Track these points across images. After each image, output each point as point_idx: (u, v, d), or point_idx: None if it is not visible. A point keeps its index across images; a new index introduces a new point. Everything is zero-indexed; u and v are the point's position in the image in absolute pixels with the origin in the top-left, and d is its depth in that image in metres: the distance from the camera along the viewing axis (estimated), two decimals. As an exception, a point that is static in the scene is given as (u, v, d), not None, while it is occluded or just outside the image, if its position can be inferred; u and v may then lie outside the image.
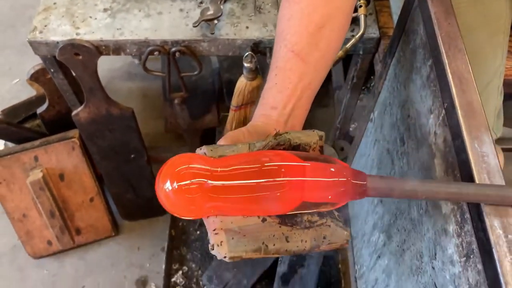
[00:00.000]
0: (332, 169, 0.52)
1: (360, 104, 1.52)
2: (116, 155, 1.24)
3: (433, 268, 0.69)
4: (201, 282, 1.38)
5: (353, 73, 1.08)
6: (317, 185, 0.52)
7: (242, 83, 1.06)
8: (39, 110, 1.27)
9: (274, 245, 0.53)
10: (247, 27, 1.00)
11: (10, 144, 1.33)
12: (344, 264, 1.37)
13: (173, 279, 1.38)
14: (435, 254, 0.68)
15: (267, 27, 0.99)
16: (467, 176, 0.58)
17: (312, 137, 0.58)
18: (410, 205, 0.80)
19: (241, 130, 0.58)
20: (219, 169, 0.50)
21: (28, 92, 1.46)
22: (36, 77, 1.14)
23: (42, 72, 1.13)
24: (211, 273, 1.37)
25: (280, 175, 0.50)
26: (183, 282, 1.38)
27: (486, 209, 0.54)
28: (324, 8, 0.65)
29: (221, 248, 0.51)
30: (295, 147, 0.57)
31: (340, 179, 0.52)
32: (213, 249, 0.52)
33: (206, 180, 0.48)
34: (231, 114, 1.14)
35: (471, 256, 0.57)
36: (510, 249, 0.51)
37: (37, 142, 1.27)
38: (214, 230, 0.52)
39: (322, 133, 0.59)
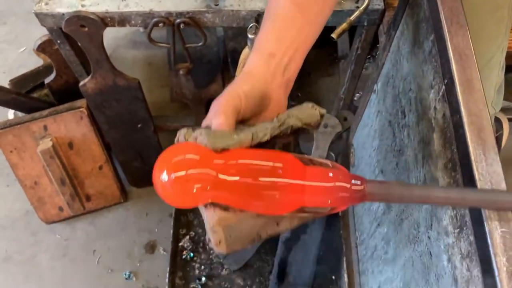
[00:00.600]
0: (331, 174, 0.52)
1: (365, 73, 1.52)
2: (123, 124, 1.27)
3: (428, 237, 0.72)
4: (207, 247, 1.43)
5: (357, 44, 1.08)
6: (317, 190, 0.51)
7: (246, 54, 1.07)
8: (47, 80, 1.29)
9: (266, 232, 0.55)
10: (251, -2, 1.00)
11: (19, 114, 1.36)
12: (346, 230, 1.41)
13: (180, 244, 1.43)
14: (431, 225, 0.71)
15: (272, -2, 0.99)
16: (464, 151, 0.60)
17: (313, 116, 0.59)
18: (409, 176, 0.82)
19: (238, 95, 0.54)
20: (220, 161, 0.49)
21: (35, 60, 1.47)
22: (43, 48, 1.15)
23: (49, 43, 1.14)
24: (217, 238, 1.42)
25: (281, 177, 0.50)
26: (190, 247, 1.43)
27: (481, 185, 0.56)
28: None
29: (220, 246, 0.52)
30: (296, 130, 0.58)
31: (339, 184, 0.51)
32: (210, 243, 0.52)
33: (204, 173, 0.47)
34: (235, 85, 1.16)
35: (464, 228, 0.59)
36: (501, 222, 0.53)
37: (45, 112, 1.29)
38: (213, 227, 0.51)
39: (323, 110, 0.60)
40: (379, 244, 1.03)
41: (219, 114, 0.52)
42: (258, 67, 0.58)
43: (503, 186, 0.56)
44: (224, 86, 1.50)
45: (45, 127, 1.29)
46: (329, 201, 0.51)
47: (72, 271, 1.42)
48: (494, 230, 0.53)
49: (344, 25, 0.90)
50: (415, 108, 0.80)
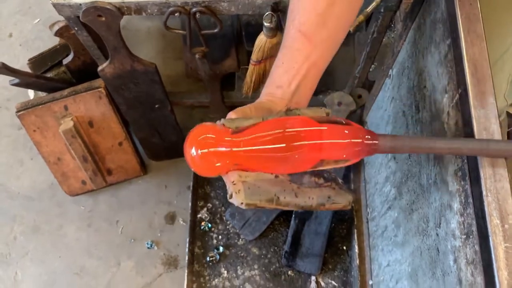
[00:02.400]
0: (347, 131, 0.58)
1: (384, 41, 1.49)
2: (141, 105, 1.30)
3: (437, 234, 0.76)
4: (224, 218, 1.50)
5: (373, 29, 1.07)
6: (334, 146, 0.57)
7: (262, 40, 1.07)
8: (65, 61, 1.31)
9: (284, 198, 0.61)
10: (267, -14, 0.99)
11: (39, 93, 1.39)
12: (358, 203, 1.46)
13: (199, 215, 1.50)
14: (440, 224, 0.75)
15: (288, -14, 0.98)
16: (473, 165, 0.62)
17: (319, 113, 0.63)
18: (421, 172, 0.85)
19: (248, 106, 0.63)
20: (240, 139, 0.56)
21: (50, 33, 1.48)
22: (60, 33, 1.17)
23: (66, 28, 1.15)
24: (233, 210, 1.48)
25: (301, 139, 0.56)
26: (208, 218, 1.50)
27: (488, 200, 0.59)
28: None
29: (238, 196, 0.58)
30: None
31: (354, 140, 0.57)
32: (231, 198, 0.59)
33: (227, 147, 0.56)
34: (251, 67, 1.17)
35: (471, 237, 0.63)
36: (505, 237, 0.57)
37: (65, 92, 1.32)
38: (233, 181, 0.59)
39: (328, 110, 0.64)
40: (390, 226, 1.07)
41: (229, 114, 0.61)
42: (266, 98, 0.65)
43: (509, 202, 0.59)
44: (238, 60, 1.50)
45: (66, 107, 1.33)
46: (344, 156, 0.58)
47: (96, 240, 1.51)
48: (498, 245, 0.57)
49: (360, 17, 0.90)
50: (429, 107, 0.82)
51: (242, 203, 0.58)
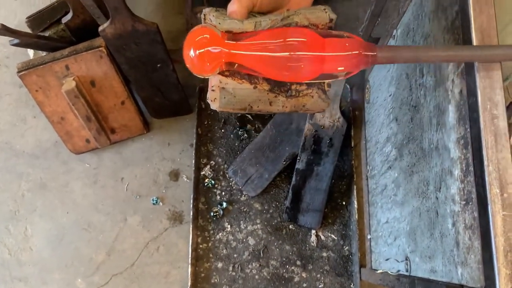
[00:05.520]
0: (347, 44, 0.60)
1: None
2: (143, 65, 1.29)
3: (437, 198, 0.79)
4: (227, 175, 1.53)
5: (378, -13, 1.05)
6: (334, 59, 0.60)
7: None
8: (64, 19, 1.28)
9: (258, 106, 0.66)
10: None
11: (39, 52, 1.38)
12: (357, 159, 1.49)
13: (202, 172, 1.53)
14: (440, 188, 0.78)
15: None
16: (476, 135, 0.64)
17: (322, 18, 0.64)
18: (423, 136, 0.87)
19: None
20: (238, 42, 0.59)
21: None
22: (59, -8, 1.14)
23: (65, -14, 1.13)
24: (236, 167, 1.51)
25: (302, 50, 0.58)
26: (211, 175, 1.53)
27: (489, 169, 0.61)
28: None
29: (214, 103, 0.64)
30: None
31: (354, 52, 0.60)
32: (208, 99, 0.65)
33: (220, 48, 0.58)
34: None
35: (470, 203, 0.66)
36: (504, 206, 0.60)
37: (66, 52, 1.31)
38: (212, 87, 0.63)
39: (334, 16, 0.65)
40: (389, 185, 1.11)
41: (234, 1, 0.62)
42: None
43: (510, 172, 0.61)
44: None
45: (67, 67, 1.32)
46: (344, 68, 0.61)
47: (103, 197, 1.55)
48: (497, 213, 0.60)
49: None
50: (433, 72, 0.82)
51: (216, 109, 0.65)
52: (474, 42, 0.65)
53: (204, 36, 0.58)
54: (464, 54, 0.62)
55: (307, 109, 0.68)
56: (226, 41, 0.58)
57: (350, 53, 0.59)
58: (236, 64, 0.60)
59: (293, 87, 0.66)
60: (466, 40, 0.68)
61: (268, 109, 0.66)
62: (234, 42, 0.59)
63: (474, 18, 0.66)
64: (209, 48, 0.57)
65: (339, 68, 0.60)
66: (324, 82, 0.67)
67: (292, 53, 0.58)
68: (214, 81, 0.63)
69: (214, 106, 0.65)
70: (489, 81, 0.64)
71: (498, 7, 0.67)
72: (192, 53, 0.58)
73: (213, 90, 0.63)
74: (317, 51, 0.58)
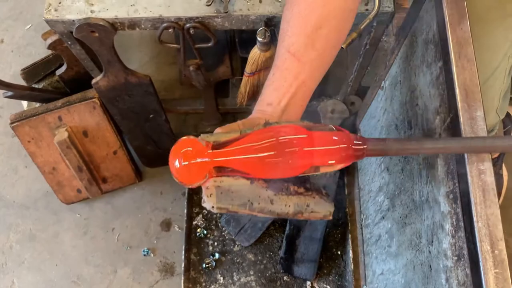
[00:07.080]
0: (336, 137, 0.60)
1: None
2: (136, 115, 1.30)
3: (429, 252, 0.78)
4: (219, 224, 1.51)
5: (366, 41, 1.08)
6: (323, 153, 0.60)
7: (256, 53, 1.08)
8: (59, 72, 1.30)
9: (258, 203, 0.62)
10: (260, 1, 0.99)
11: (33, 103, 1.39)
12: (352, 207, 1.48)
13: (194, 222, 1.51)
14: (432, 242, 0.77)
15: (280, 1, 0.99)
16: (464, 190, 0.64)
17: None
18: (413, 188, 0.87)
19: (236, 123, 0.66)
20: (222, 150, 0.59)
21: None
22: (53, 46, 1.16)
23: (59, 41, 1.15)
24: (228, 216, 1.49)
25: (292, 146, 0.58)
26: (204, 224, 1.51)
27: (478, 225, 0.61)
28: (322, 9, 0.68)
29: (210, 199, 0.61)
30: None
31: (342, 145, 0.60)
32: (204, 202, 0.62)
33: (205, 158, 0.59)
34: (245, 79, 1.18)
35: (462, 259, 0.65)
36: (495, 263, 0.59)
37: (59, 103, 1.32)
38: (207, 186, 0.61)
39: (311, 124, 0.65)
40: (383, 236, 1.09)
41: (216, 130, 0.65)
42: (256, 115, 0.68)
43: (499, 228, 0.60)
44: (232, 67, 1.50)
45: (60, 118, 1.33)
46: (335, 161, 0.60)
47: (93, 248, 1.51)
48: (489, 270, 0.59)
49: (353, 34, 0.91)
50: (421, 125, 0.83)
51: (213, 207, 0.61)
52: (458, 99, 0.66)
53: (187, 149, 0.59)
54: (452, 147, 0.62)
55: (312, 211, 0.65)
56: (209, 151, 0.59)
57: (338, 146, 0.60)
58: (226, 168, 0.60)
59: (292, 188, 0.65)
60: (450, 97, 0.69)
61: (270, 208, 0.63)
62: (218, 151, 0.59)
63: (457, 75, 0.68)
64: (194, 161, 0.59)
65: (330, 162, 0.60)
66: (322, 190, 0.67)
67: (278, 150, 0.58)
68: (208, 183, 0.61)
69: (210, 202, 0.61)
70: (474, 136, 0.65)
71: (479, 61, 0.69)
72: (177, 164, 0.59)
73: (207, 188, 0.61)
74: (306, 146, 0.59)
